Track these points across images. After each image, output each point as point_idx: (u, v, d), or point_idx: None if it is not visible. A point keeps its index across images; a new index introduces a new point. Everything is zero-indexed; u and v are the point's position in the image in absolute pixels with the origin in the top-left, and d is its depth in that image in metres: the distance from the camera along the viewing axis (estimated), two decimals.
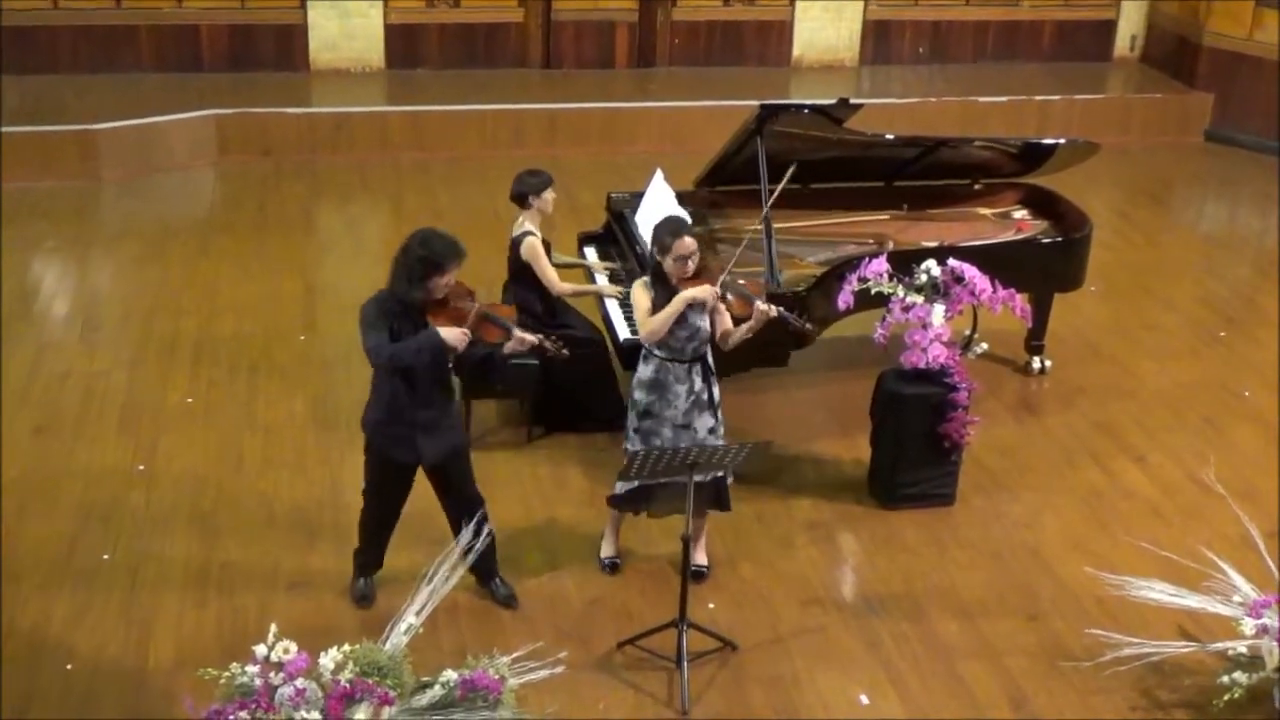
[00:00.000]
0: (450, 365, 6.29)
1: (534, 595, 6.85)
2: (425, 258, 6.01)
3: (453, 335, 6.08)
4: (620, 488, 6.76)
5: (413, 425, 6.23)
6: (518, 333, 6.23)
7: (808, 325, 6.42)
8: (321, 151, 12.30)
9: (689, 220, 6.60)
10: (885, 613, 6.86)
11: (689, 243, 6.35)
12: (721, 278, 6.43)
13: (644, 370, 6.60)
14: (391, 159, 12.37)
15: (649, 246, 6.55)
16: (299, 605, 6.71)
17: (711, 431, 6.65)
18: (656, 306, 6.45)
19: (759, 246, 7.95)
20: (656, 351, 6.54)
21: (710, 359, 6.62)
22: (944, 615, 6.85)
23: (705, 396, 6.59)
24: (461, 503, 6.47)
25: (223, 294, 9.83)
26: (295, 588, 6.85)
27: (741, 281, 6.54)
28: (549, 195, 7.87)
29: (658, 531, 7.18)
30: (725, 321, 6.59)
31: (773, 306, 6.42)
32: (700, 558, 7.01)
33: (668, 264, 6.38)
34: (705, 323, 6.48)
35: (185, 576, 6.90)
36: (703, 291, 6.39)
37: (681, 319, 6.45)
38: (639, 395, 6.61)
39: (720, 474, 6.64)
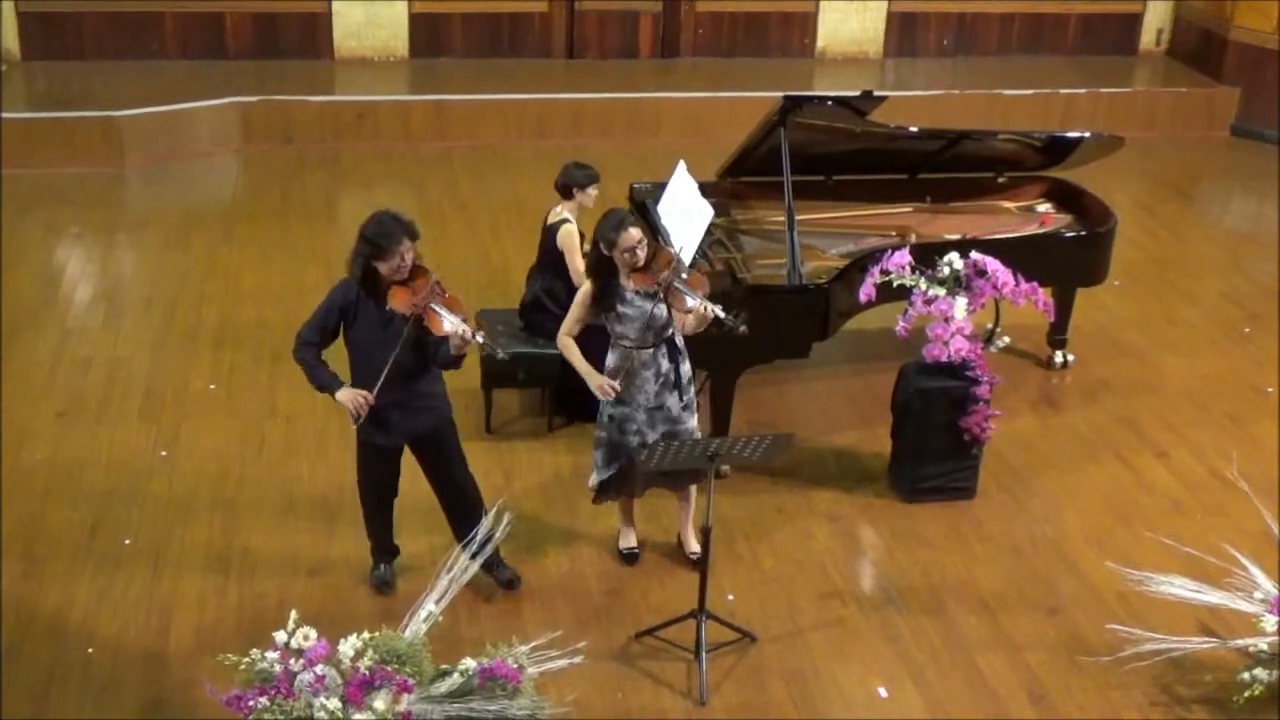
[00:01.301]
0: (432, 350, 6.25)
1: (553, 585, 6.86)
2: (369, 240, 6.06)
3: (346, 397, 6.19)
4: (593, 480, 6.80)
5: (386, 405, 6.23)
6: (461, 329, 6.01)
7: (743, 328, 6.35)
8: (345, 140, 12.31)
9: (630, 215, 6.55)
10: (905, 606, 6.85)
11: (634, 234, 6.37)
12: (662, 275, 6.38)
13: (611, 359, 6.62)
14: (414, 148, 12.37)
15: (594, 245, 6.53)
16: (319, 592, 6.73)
17: (685, 408, 6.66)
18: (597, 300, 6.48)
19: (781, 238, 7.94)
20: (622, 341, 6.55)
21: (679, 339, 6.63)
22: (964, 609, 6.84)
23: (674, 376, 6.61)
24: (448, 486, 6.53)
25: (245, 281, 9.85)
26: (315, 574, 6.87)
27: (684, 277, 6.47)
28: (593, 191, 7.90)
29: (674, 524, 7.17)
30: (676, 313, 6.60)
31: (709, 306, 6.31)
32: (694, 545, 7.03)
33: (616, 256, 6.40)
34: (660, 309, 6.46)
35: (206, 562, 6.93)
36: (592, 382, 6.52)
37: (624, 314, 6.49)
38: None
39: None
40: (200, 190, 11.57)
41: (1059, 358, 9.08)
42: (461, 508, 6.51)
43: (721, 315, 6.29)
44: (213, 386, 8.50)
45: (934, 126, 8.93)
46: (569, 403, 8.11)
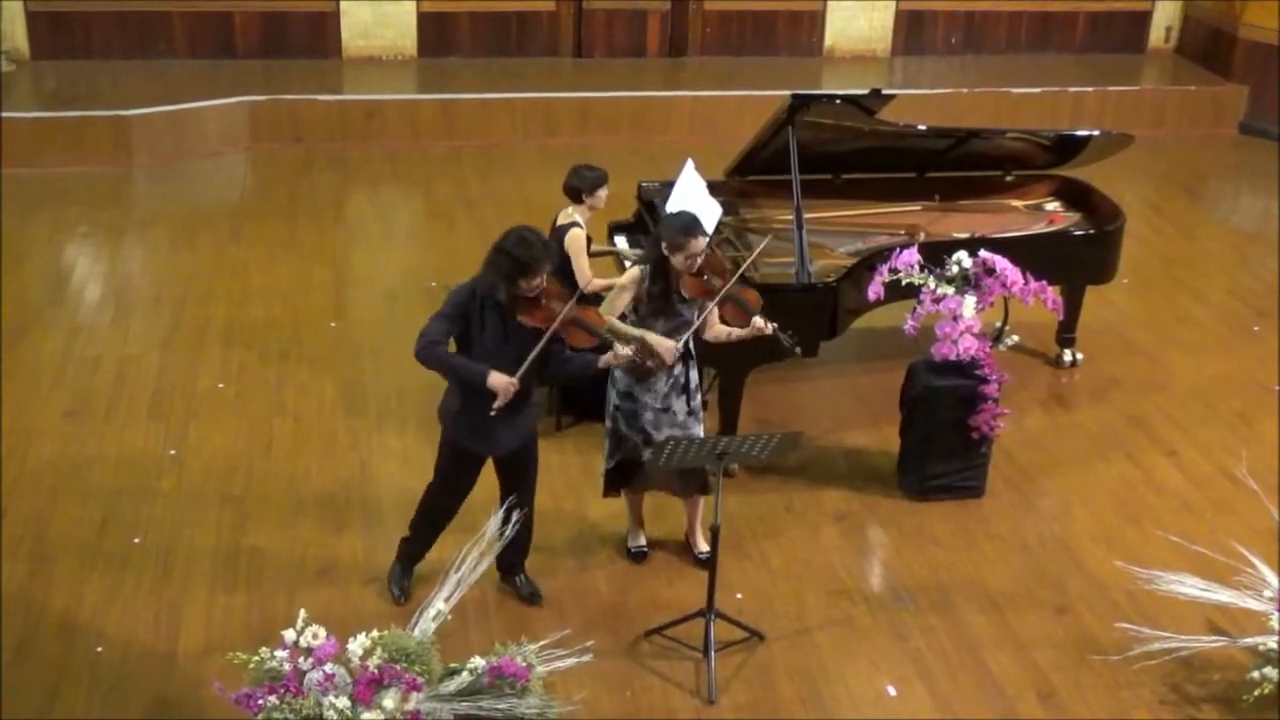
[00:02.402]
0: (560, 361, 6.24)
1: (562, 584, 6.86)
2: (516, 258, 5.95)
3: (499, 382, 6.01)
4: (602, 468, 6.83)
5: (492, 416, 6.10)
6: (617, 345, 6.18)
7: (797, 349, 6.48)
8: (353, 139, 12.32)
9: (699, 221, 6.56)
10: (913, 604, 6.85)
11: (701, 243, 6.40)
12: (726, 288, 6.43)
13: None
14: (422, 147, 12.37)
15: (658, 241, 6.54)
16: (327, 591, 6.73)
17: (690, 414, 6.67)
18: (648, 302, 6.48)
19: (789, 237, 7.93)
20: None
21: (690, 345, 6.64)
22: (972, 607, 6.83)
23: (684, 380, 6.62)
24: (525, 489, 6.46)
25: (253, 280, 9.86)
26: (324, 573, 6.87)
27: (745, 296, 6.55)
28: (603, 193, 7.89)
29: (683, 524, 7.16)
30: (713, 319, 6.65)
31: (769, 324, 6.49)
32: (702, 544, 7.03)
33: (677, 260, 6.39)
34: (694, 318, 6.49)
35: (215, 561, 6.93)
36: (662, 347, 6.43)
37: (668, 310, 6.50)
38: (619, 375, 6.66)
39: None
40: (208, 190, 11.57)
41: (1068, 356, 9.06)
42: (522, 525, 6.37)
43: (781, 335, 6.39)
44: (221, 385, 8.51)
45: (942, 125, 8.92)
46: (577, 401, 8.11)
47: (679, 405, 6.61)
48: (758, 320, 6.49)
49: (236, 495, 7.46)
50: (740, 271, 6.62)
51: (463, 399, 6.19)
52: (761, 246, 7.17)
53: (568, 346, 6.22)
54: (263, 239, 10.51)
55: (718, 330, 6.68)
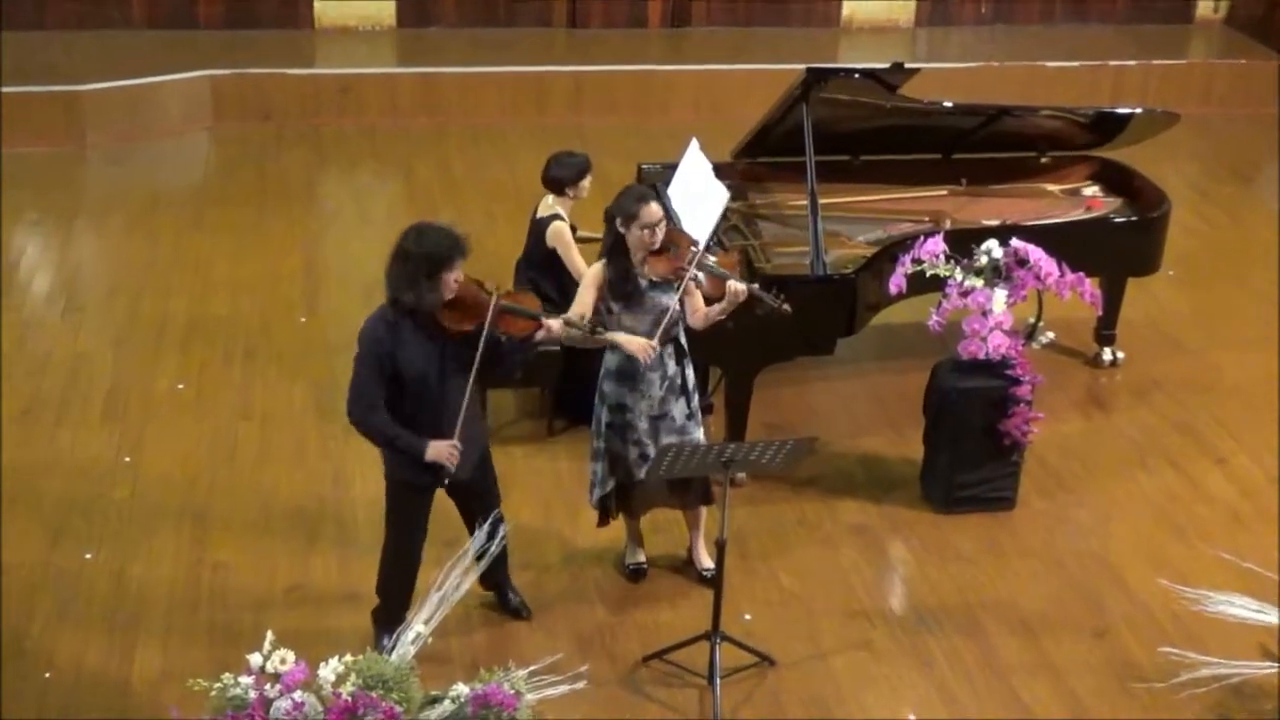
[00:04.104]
0: (507, 357, 6.14)
1: (554, 603, 6.86)
2: (427, 255, 5.81)
3: (438, 451, 5.94)
4: (595, 495, 6.77)
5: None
6: (546, 320, 6.08)
7: (784, 305, 6.35)
8: (326, 116, 12.31)
9: (653, 191, 6.51)
10: (938, 627, 6.84)
11: (655, 210, 6.32)
12: (692, 254, 6.38)
13: (611, 359, 6.57)
14: (402, 125, 12.36)
15: (610, 222, 6.49)
16: (297, 611, 6.73)
17: (690, 418, 6.64)
18: (613, 286, 6.41)
19: (802, 224, 7.93)
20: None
21: (684, 340, 6.61)
22: (1003, 630, 6.83)
23: (679, 381, 6.59)
24: (488, 507, 6.39)
25: (217, 271, 9.85)
26: (293, 591, 6.87)
27: (713, 259, 6.49)
28: (586, 182, 7.89)
29: (685, 537, 7.16)
30: (697, 299, 6.56)
31: (745, 285, 6.36)
32: (706, 560, 7.03)
33: (632, 234, 6.34)
34: (673, 302, 6.44)
35: (174, 578, 6.93)
36: (634, 345, 6.36)
37: (641, 300, 6.43)
38: (609, 388, 6.59)
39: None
40: (168, 172, 11.57)
41: (1107, 355, 9.06)
42: (487, 524, 6.33)
43: (762, 294, 6.28)
44: (181, 386, 8.50)
45: (971, 102, 8.91)
46: (570, 404, 8.10)
47: (677, 408, 6.60)
48: (732, 282, 6.33)
49: (197, 506, 7.45)
50: (707, 239, 6.49)
51: (437, 469, 6.07)
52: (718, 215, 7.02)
53: (508, 340, 6.06)
54: (227, 226, 10.50)
55: (699, 309, 6.55)
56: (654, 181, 8.63)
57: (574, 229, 7.95)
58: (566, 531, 7.36)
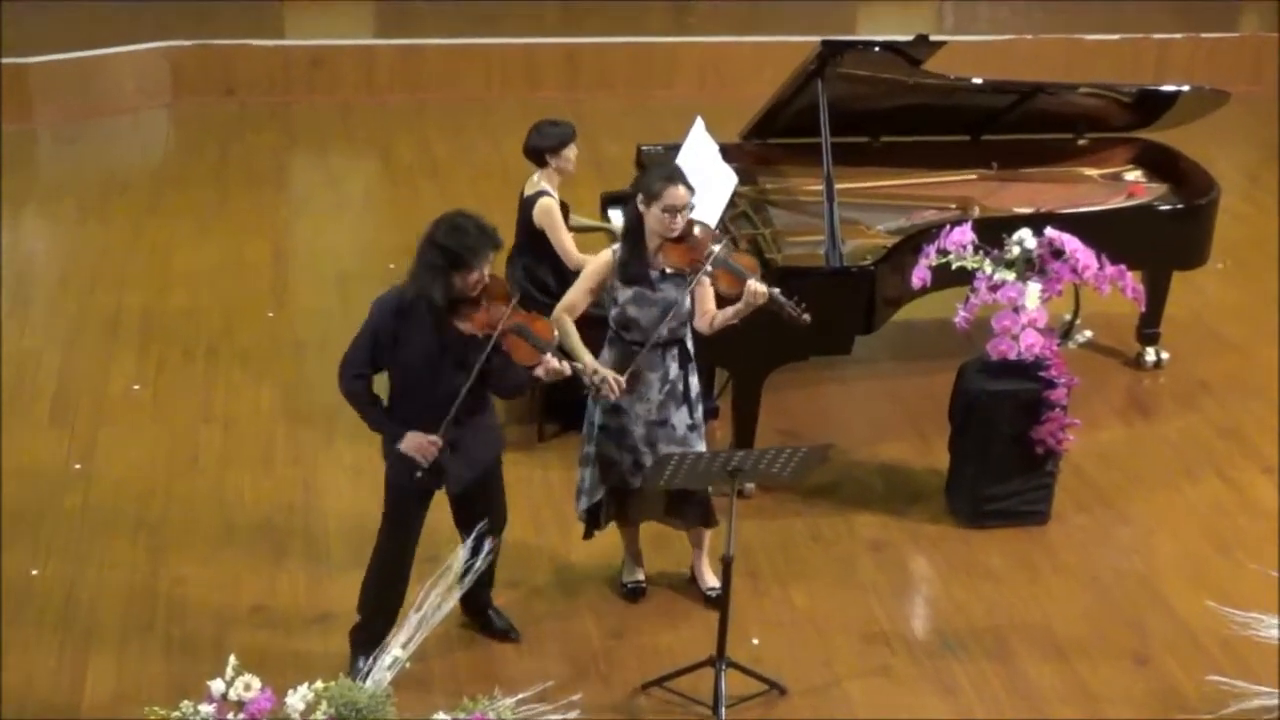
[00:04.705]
0: (499, 377, 6.15)
1: (544, 625, 6.86)
2: (449, 250, 5.91)
3: (415, 445, 6.02)
4: (583, 504, 6.78)
5: (427, 458, 6.10)
6: (550, 358, 6.05)
7: (804, 315, 6.35)
8: (296, 92, 12.32)
9: (683, 170, 6.52)
10: (964, 652, 6.85)
11: (682, 192, 6.32)
12: (711, 249, 6.37)
13: (607, 356, 6.57)
14: (380, 102, 12.37)
15: (632, 198, 6.48)
16: (263, 633, 6.72)
17: (693, 429, 6.64)
18: (621, 281, 6.42)
19: (817, 211, 7.92)
20: (623, 334, 6.53)
21: (689, 343, 6.61)
22: (1034, 655, 6.83)
23: (681, 387, 6.58)
24: (493, 519, 6.34)
25: (176, 261, 9.85)
26: (258, 611, 6.87)
27: (732, 256, 6.47)
28: (570, 152, 7.88)
29: (688, 553, 7.16)
30: (708, 300, 6.55)
31: (766, 287, 6.32)
32: (710, 579, 7.04)
33: (652, 215, 6.33)
34: (684, 299, 6.44)
35: (128, 596, 6.92)
36: (594, 378, 6.37)
37: (644, 297, 6.44)
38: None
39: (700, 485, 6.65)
40: (123, 152, 11.57)
41: (1150, 355, 9.06)
42: (471, 537, 6.33)
43: (782, 299, 6.27)
44: (136, 387, 8.51)
45: (1002, 78, 8.91)
46: (562, 408, 8.10)
47: (679, 417, 6.59)
48: (752, 282, 6.30)
49: (154, 518, 7.46)
50: (724, 239, 6.48)
51: (401, 426, 6.13)
52: (718, 224, 7.02)
53: (509, 360, 6.08)
54: (188, 211, 10.50)
55: (709, 310, 6.54)
56: (654, 164, 8.65)
57: (566, 209, 7.95)
58: (558, 546, 7.36)
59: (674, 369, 6.55)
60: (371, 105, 12.32)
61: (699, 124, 8.43)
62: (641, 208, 6.36)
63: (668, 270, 6.42)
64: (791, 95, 8.31)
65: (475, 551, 5.95)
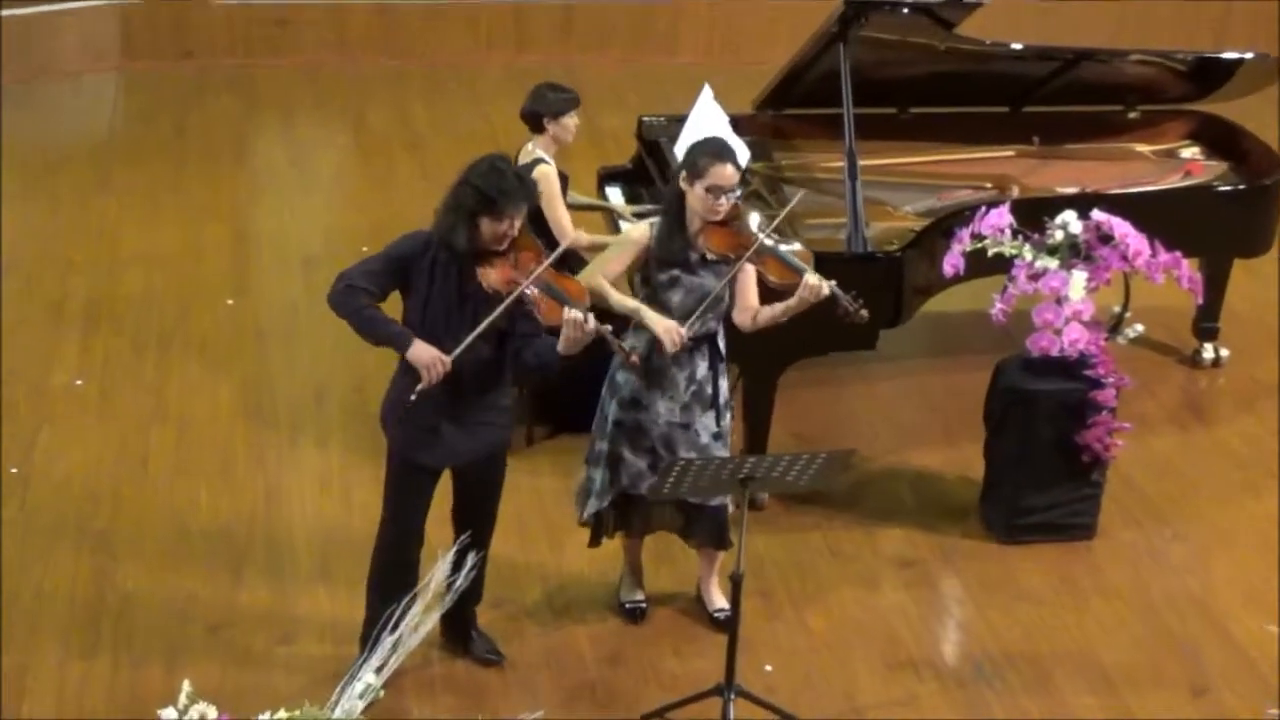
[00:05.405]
0: (520, 346, 6.15)
1: (534, 649, 6.86)
2: (481, 192, 5.97)
3: (424, 356, 6.00)
4: (590, 508, 6.78)
5: (440, 417, 6.16)
6: (574, 312, 5.97)
7: (863, 311, 6.34)
8: (259, 55, 12.32)
9: (734, 149, 6.53)
10: (1000, 681, 6.85)
11: (730, 172, 6.32)
12: (759, 239, 6.36)
13: (631, 345, 6.54)
14: (353, 66, 12.37)
15: (676, 172, 6.50)
16: (221, 654, 6.72)
17: (718, 437, 6.63)
18: (658, 265, 6.42)
19: (838, 190, 7.92)
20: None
21: (720, 341, 6.61)
22: (1079, 686, 6.84)
23: (710, 391, 6.58)
24: (483, 522, 6.46)
25: (126, 242, 9.86)
26: (216, 631, 6.86)
27: (782, 245, 6.46)
28: (570, 120, 7.89)
29: (695, 569, 7.17)
30: (749, 293, 6.55)
31: (825, 281, 6.31)
32: (719, 599, 7.05)
33: (695, 195, 6.34)
34: (724, 289, 6.42)
35: (70, 614, 6.92)
36: (659, 327, 6.33)
37: (680, 281, 6.44)
38: (622, 378, 6.60)
39: (717, 502, 6.62)
40: (66, 121, 11.57)
41: (1208, 352, 9.07)
42: (453, 549, 6.35)
43: (841, 296, 6.26)
44: (80, 381, 8.51)
45: (1044, 44, 8.91)
46: (554, 407, 8.11)
47: (703, 422, 6.58)
48: (810, 276, 6.29)
49: (100, 528, 7.46)
50: (780, 218, 6.51)
51: (406, 394, 6.15)
52: (795, 200, 7.09)
53: (537, 321, 6.09)
54: (139, 187, 10.51)
55: (750, 304, 6.55)
56: (657, 137, 8.65)
57: (565, 180, 7.95)
58: (548, 561, 7.36)
59: (702, 368, 6.54)
60: (344, 70, 12.32)
61: (707, 92, 8.42)
62: (684, 185, 6.37)
63: (709, 256, 6.42)
64: (810, 61, 8.32)
65: (457, 565, 5.96)
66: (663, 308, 6.44)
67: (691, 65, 11.96)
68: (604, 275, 6.53)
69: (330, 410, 8.27)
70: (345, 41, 12.45)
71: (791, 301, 6.36)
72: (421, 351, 6.01)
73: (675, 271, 6.44)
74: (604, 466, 6.68)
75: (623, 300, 6.46)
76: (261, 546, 7.37)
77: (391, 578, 6.37)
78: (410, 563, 6.41)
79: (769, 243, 6.37)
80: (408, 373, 6.11)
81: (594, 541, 6.92)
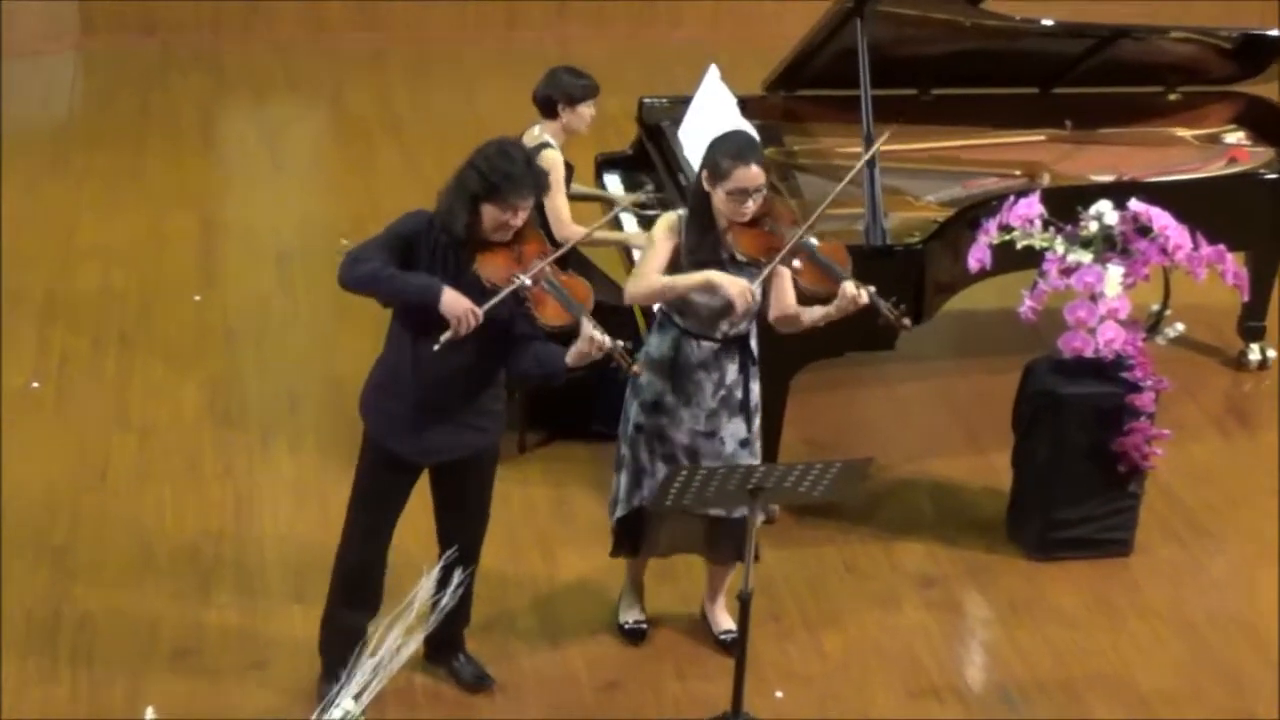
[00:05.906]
0: (519, 349, 6.17)
1: (525, 671, 6.87)
2: (485, 176, 5.97)
3: (458, 305, 5.98)
4: (618, 514, 6.77)
5: (419, 407, 6.17)
6: (588, 328, 5.98)
7: (905, 320, 6.34)
8: (229, 32, 12.33)
9: (758, 143, 6.53)
10: (1029, 707, 6.86)
11: (755, 173, 6.31)
12: (797, 238, 6.36)
13: (656, 344, 6.57)
14: (329, 45, 12.38)
15: (698, 172, 6.52)
16: (186, 679, 6.72)
17: (745, 446, 6.63)
18: (681, 260, 6.41)
19: (856, 178, 7.93)
20: (677, 319, 6.52)
21: (754, 344, 6.61)
22: (1115, 711, 6.85)
23: (740, 395, 6.58)
24: (469, 532, 6.47)
25: (84, 233, 9.87)
26: (182, 655, 6.87)
27: (828, 252, 6.45)
28: (587, 110, 7.91)
29: (700, 586, 7.17)
30: (786, 293, 6.56)
31: (865, 288, 6.30)
32: (725, 620, 7.05)
33: (719, 197, 6.35)
34: (756, 293, 6.42)
35: (26, 637, 6.92)
36: (734, 289, 6.31)
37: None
38: (646, 378, 6.59)
39: (741, 513, 6.62)
40: (20, 103, 11.57)
41: (1254, 354, 9.08)
42: (439, 565, 6.35)
43: (881, 303, 6.25)
44: (36, 384, 8.52)
45: (1077, 21, 8.92)
46: (549, 412, 8.11)
47: (730, 429, 6.56)
48: (849, 286, 6.29)
49: (57, 543, 7.46)
50: (815, 217, 6.51)
51: (389, 374, 6.23)
52: (836, 192, 7.05)
53: (535, 322, 6.10)
54: (99, 173, 10.51)
55: (787, 306, 6.55)
56: (659, 120, 8.65)
57: (570, 171, 7.96)
58: (541, 578, 7.37)
59: (732, 372, 6.53)
60: (319, 50, 12.33)
61: (713, 72, 8.43)
62: (706, 187, 6.37)
63: (740, 257, 6.42)
64: (825, 38, 8.32)
65: (443, 582, 5.96)
66: (687, 306, 6.45)
67: (696, 42, 11.96)
68: (649, 280, 6.44)
69: (305, 415, 8.27)
70: (321, 19, 12.45)
71: (829, 309, 6.38)
72: (454, 301, 5.98)
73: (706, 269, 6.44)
74: (625, 472, 6.68)
75: (688, 280, 6.38)
76: (230, 562, 7.37)
77: (356, 588, 6.44)
78: (371, 564, 6.46)
79: (804, 245, 6.37)
80: (394, 343, 6.18)
81: (616, 551, 6.93)
